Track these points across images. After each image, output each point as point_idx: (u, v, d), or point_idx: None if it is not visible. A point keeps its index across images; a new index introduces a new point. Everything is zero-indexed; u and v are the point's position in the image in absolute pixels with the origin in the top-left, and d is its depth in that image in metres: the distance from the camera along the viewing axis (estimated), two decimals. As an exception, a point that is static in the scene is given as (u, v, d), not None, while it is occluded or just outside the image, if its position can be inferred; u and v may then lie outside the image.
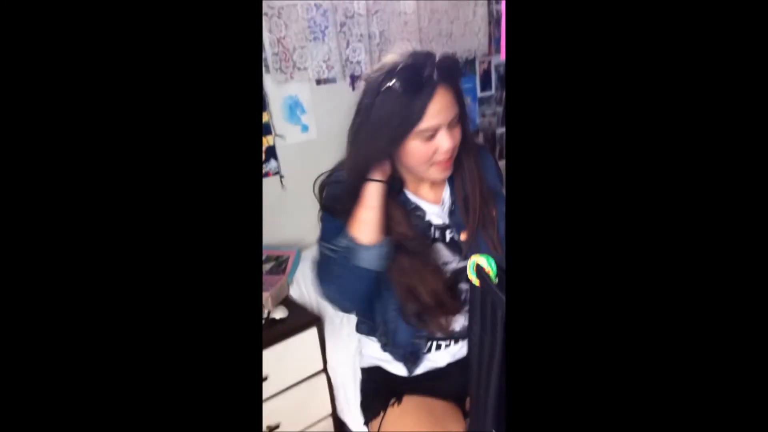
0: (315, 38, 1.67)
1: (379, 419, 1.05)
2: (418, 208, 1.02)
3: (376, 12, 1.79)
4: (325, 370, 1.39)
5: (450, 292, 1.01)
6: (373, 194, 0.93)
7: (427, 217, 1.02)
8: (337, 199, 0.97)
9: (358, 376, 1.18)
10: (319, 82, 1.73)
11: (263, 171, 1.67)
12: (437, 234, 1.02)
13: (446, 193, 1.04)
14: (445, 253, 1.02)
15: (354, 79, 1.80)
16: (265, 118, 1.64)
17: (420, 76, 0.84)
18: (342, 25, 1.72)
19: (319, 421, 1.41)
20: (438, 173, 0.94)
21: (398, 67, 0.85)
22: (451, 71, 0.87)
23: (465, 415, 1.07)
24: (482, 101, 2.27)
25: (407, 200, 1.02)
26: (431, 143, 0.89)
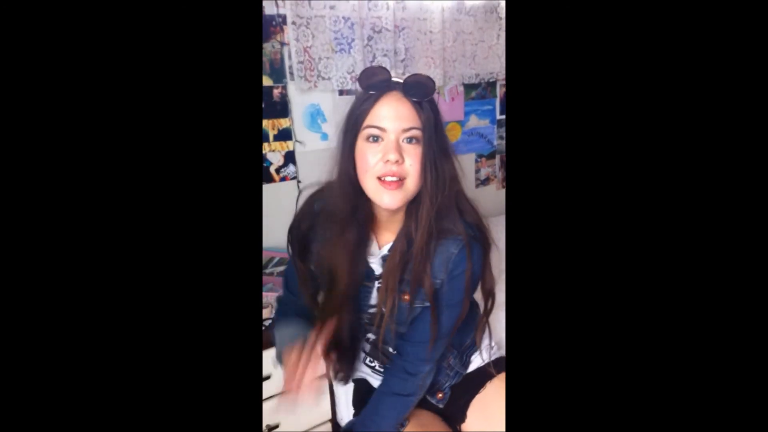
0: (341, 50, 1.71)
1: None
2: (370, 245, 0.97)
3: (403, 29, 1.83)
4: (327, 374, 1.39)
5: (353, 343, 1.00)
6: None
7: (369, 256, 0.97)
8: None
9: (351, 387, 1.20)
10: (341, 92, 1.76)
11: (281, 175, 1.70)
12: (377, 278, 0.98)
13: (390, 243, 0.95)
14: (375, 295, 0.99)
15: (376, 92, 1.83)
16: (286, 123, 1.68)
17: (383, 79, 0.83)
18: (369, 39, 1.76)
19: (318, 426, 1.41)
20: (379, 191, 0.84)
21: (372, 70, 0.85)
22: (418, 86, 0.83)
23: (448, 424, 1.09)
24: (501, 123, 2.30)
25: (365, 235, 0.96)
26: (376, 147, 0.82)
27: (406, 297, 0.94)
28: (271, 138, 1.66)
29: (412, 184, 0.84)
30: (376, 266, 0.98)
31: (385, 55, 1.80)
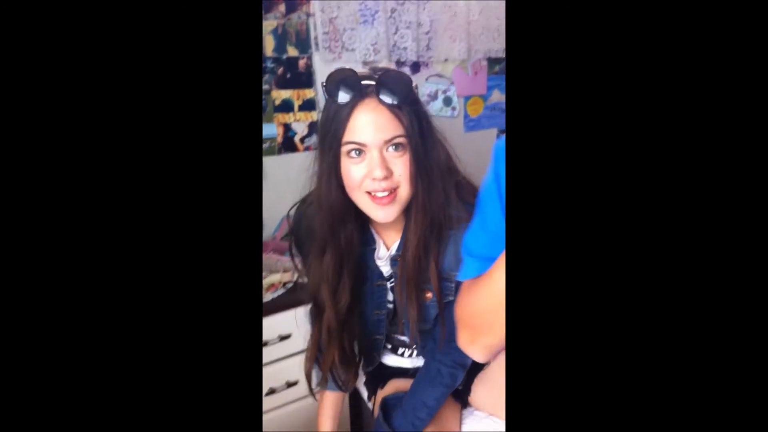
0: (365, 21, 1.73)
1: (374, 399, 1.11)
2: (377, 248, 0.95)
3: (428, 1, 1.84)
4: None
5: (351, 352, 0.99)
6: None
7: (377, 260, 0.95)
8: (303, 237, 0.94)
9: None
10: (365, 64, 1.78)
11: (305, 145, 1.74)
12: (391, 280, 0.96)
13: (397, 242, 0.92)
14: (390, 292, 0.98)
15: (399, 64, 1.85)
16: (311, 94, 1.71)
17: (352, 84, 0.76)
18: (392, 11, 1.77)
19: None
20: (372, 207, 0.80)
21: (339, 74, 0.77)
22: (394, 88, 0.75)
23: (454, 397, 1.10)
24: (524, 99, 2.30)
25: (370, 238, 0.94)
26: (360, 163, 0.77)
27: (429, 295, 0.91)
28: (296, 108, 1.70)
29: (405, 191, 0.80)
30: (386, 268, 0.96)
31: (408, 27, 1.81)
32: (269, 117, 1.66)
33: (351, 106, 0.75)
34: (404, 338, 1.06)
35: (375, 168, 0.76)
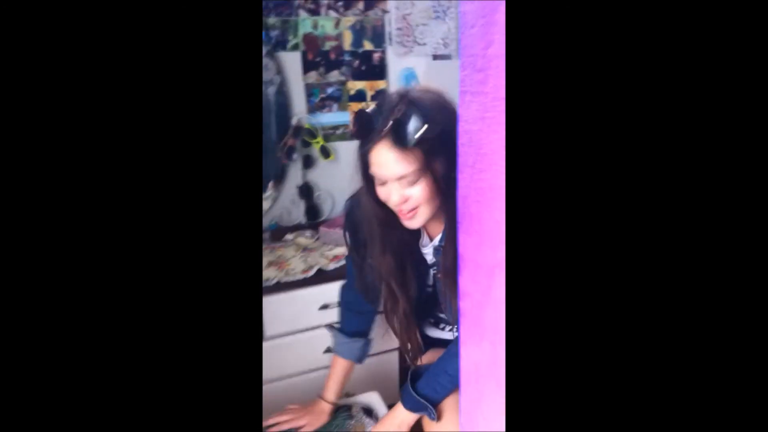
0: (437, 17, 1.83)
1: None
2: (422, 238, 1.04)
3: (500, -4, 1.90)
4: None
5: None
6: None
7: (423, 251, 1.05)
8: (356, 226, 1.04)
9: None
10: (435, 57, 1.89)
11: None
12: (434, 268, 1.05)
13: (441, 234, 1.01)
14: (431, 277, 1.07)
15: (469, 57, 1.93)
16: (383, 85, 1.85)
17: (368, 123, 0.85)
18: (464, 6, 1.86)
19: (387, 351, 1.63)
20: (402, 217, 0.92)
21: (362, 110, 0.87)
22: (404, 135, 0.81)
23: None
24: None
25: (419, 232, 1.03)
26: (383, 187, 0.89)
27: None
28: (368, 98, 1.85)
29: (427, 207, 0.89)
30: (430, 256, 1.05)
31: (479, 22, 1.88)
32: (344, 106, 1.82)
33: (369, 147, 0.86)
34: (445, 315, 1.17)
35: (391, 195, 0.87)
